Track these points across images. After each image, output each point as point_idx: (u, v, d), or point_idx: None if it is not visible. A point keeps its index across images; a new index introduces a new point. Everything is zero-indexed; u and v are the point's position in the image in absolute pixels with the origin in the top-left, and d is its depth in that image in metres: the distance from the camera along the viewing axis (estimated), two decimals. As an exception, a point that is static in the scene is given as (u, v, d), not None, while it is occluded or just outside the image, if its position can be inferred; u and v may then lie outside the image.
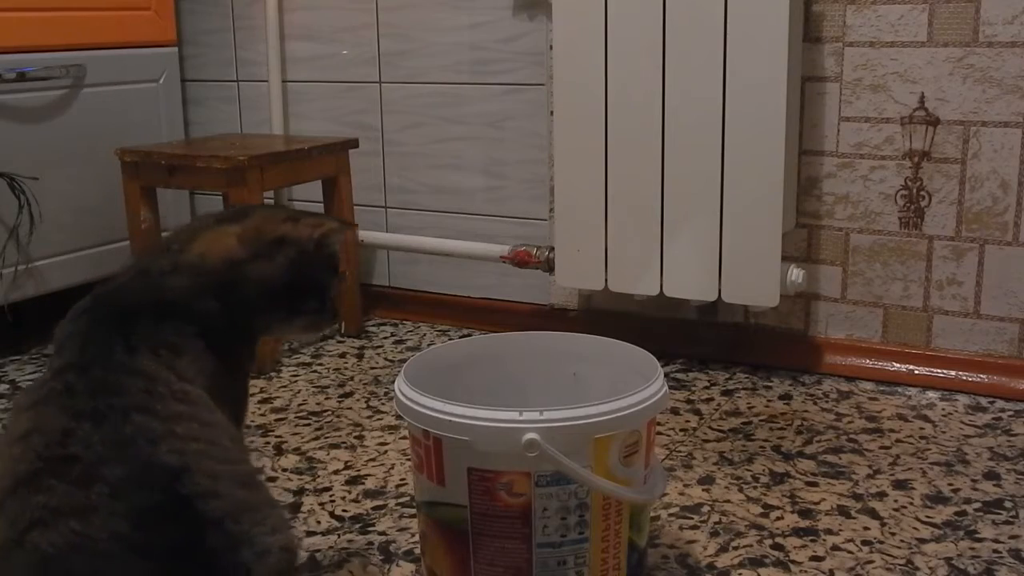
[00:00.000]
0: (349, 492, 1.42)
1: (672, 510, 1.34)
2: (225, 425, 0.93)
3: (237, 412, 1.03)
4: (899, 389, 1.76)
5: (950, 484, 1.40)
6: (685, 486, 1.41)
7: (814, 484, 1.41)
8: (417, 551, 1.23)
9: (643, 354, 1.18)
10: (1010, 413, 1.65)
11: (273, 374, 1.89)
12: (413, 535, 1.28)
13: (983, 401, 1.70)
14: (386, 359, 1.98)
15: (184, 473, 0.83)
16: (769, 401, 1.72)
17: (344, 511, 1.36)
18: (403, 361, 1.78)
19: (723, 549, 1.24)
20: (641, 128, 1.75)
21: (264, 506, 0.87)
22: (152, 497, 0.81)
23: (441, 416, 1.03)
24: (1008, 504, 1.34)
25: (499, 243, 2.03)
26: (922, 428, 1.59)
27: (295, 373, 1.90)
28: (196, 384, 0.93)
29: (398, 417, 1.66)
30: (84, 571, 0.78)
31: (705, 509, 1.34)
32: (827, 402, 1.71)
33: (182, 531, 0.81)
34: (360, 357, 1.99)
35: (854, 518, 1.31)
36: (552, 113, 1.86)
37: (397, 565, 1.22)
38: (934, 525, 1.29)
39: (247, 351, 1.06)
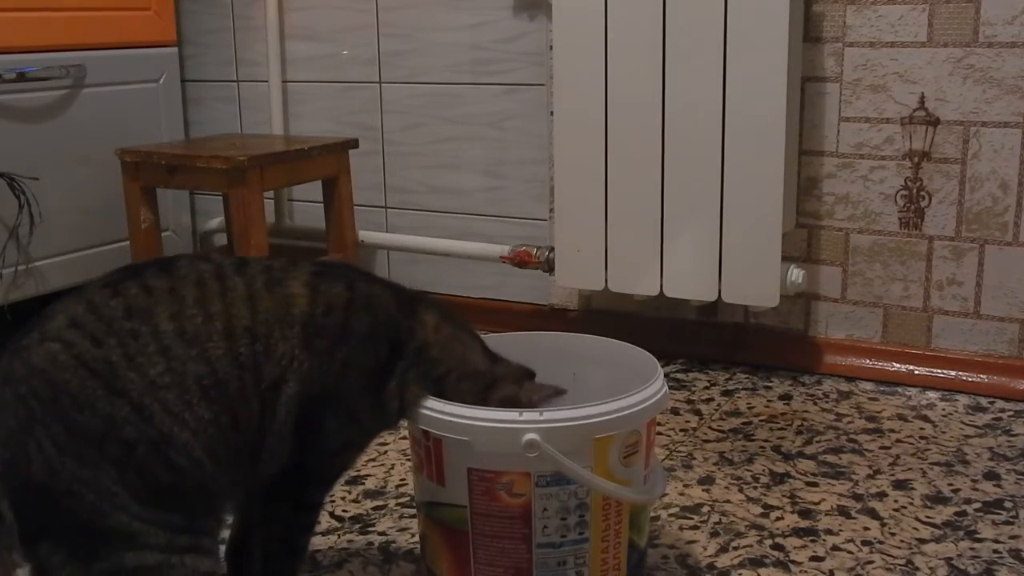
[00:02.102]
0: (349, 492, 1.42)
1: (672, 510, 1.34)
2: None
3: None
4: (899, 389, 1.76)
5: (950, 484, 1.40)
6: (685, 486, 1.41)
7: (814, 484, 1.41)
8: (417, 551, 1.23)
9: (643, 354, 1.18)
10: (1010, 413, 1.65)
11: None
12: (413, 535, 1.28)
13: (983, 401, 1.70)
14: (386, 359, 1.97)
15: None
16: (769, 401, 1.72)
17: (344, 511, 1.36)
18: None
19: (723, 549, 1.24)
20: (641, 128, 1.75)
21: None
22: None
23: (441, 416, 1.03)
24: (1008, 504, 1.34)
25: (499, 243, 2.03)
26: (922, 428, 1.59)
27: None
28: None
29: (398, 417, 1.66)
30: None
31: (705, 509, 1.34)
32: (827, 402, 1.71)
33: None
34: (360, 357, 1.99)
35: (854, 518, 1.31)
36: (552, 113, 1.86)
37: (397, 565, 1.22)
38: (934, 525, 1.29)
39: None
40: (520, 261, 1.98)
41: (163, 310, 0.92)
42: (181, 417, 0.90)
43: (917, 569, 1.19)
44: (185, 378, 0.90)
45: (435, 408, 1.04)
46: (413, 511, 1.33)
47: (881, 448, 1.52)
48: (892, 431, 1.58)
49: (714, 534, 1.28)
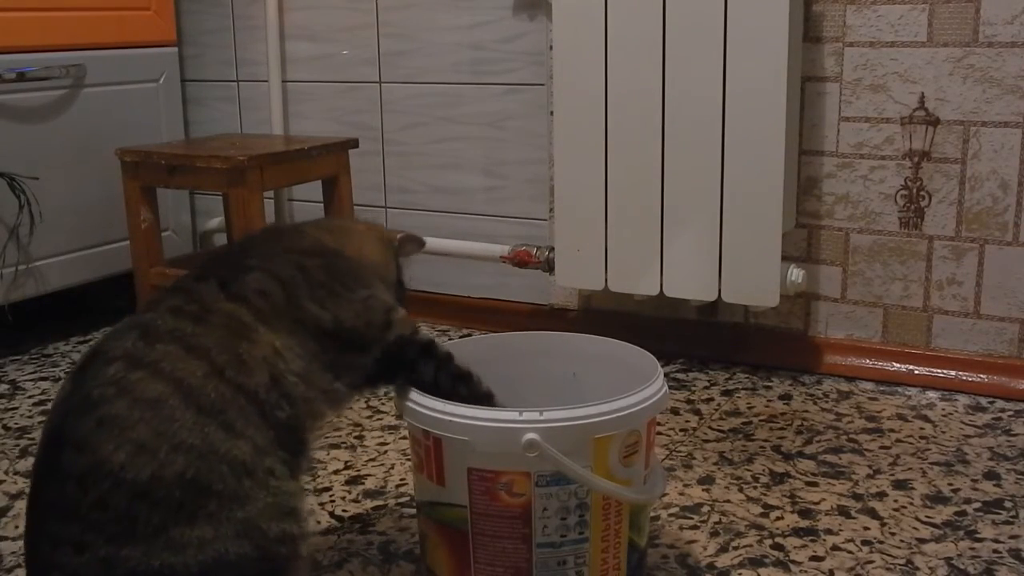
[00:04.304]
0: (349, 492, 1.42)
1: (672, 510, 1.34)
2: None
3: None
4: (899, 389, 1.76)
5: (950, 484, 1.40)
6: (685, 486, 1.41)
7: (814, 484, 1.41)
8: (417, 551, 1.23)
9: (643, 354, 1.18)
10: (1010, 413, 1.65)
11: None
12: (413, 535, 1.28)
13: (983, 401, 1.70)
14: (386, 359, 1.97)
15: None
16: (769, 401, 1.72)
17: (344, 511, 1.36)
18: (403, 361, 1.77)
19: (723, 549, 1.24)
20: (641, 128, 1.75)
21: None
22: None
23: (441, 416, 1.03)
24: (1008, 504, 1.34)
25: (499, 243, 2.03)
26: (922, 428, 1.59)
27: (295, 373, 1.90)
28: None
29: (398, 417, 1.66)
30: None
31: (705, 509, 1.34)
32: (827, 402, 1.71)
33: None
34: (360, 357, 1.98)
35: (854, 518, 1.31)
36: (552, 113, 1.86)
37: (397, 565, 1.22)
38: (934, 525, 1.29)
39: None
40: (520, 261, 1.98)
41: (108, 442, 0.87)
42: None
43: (917, 569, 1.19)
44: (181, 471, 0.87)
45: (435, 408, 1.04)
46: (413, 511, 1.33)
47: (881, 448, 1.52)
48: (892, 431, 1.58)
49: (714, 534, 1.28)
